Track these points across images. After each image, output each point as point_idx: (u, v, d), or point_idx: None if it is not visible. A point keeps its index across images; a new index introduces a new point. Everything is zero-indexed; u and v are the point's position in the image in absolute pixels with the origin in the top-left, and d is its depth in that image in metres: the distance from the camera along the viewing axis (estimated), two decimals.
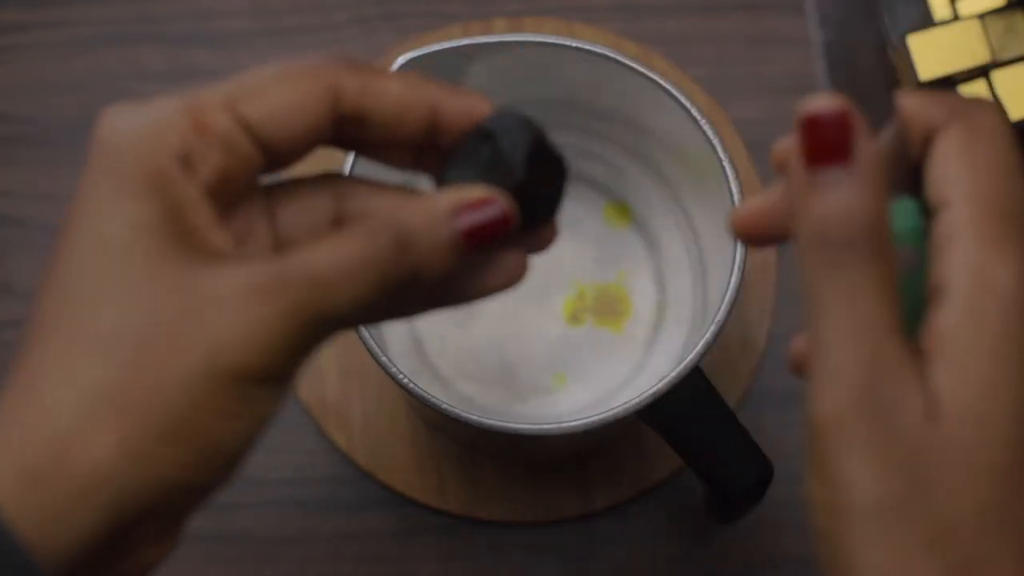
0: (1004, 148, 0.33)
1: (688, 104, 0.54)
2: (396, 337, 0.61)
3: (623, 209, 0.63)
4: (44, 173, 0.66)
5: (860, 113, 0.32)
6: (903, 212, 0.35)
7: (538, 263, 0.62)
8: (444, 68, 0.54)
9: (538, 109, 0.60)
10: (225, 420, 0.33)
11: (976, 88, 0.63)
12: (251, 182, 0.36)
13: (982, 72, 0.63)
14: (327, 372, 0.63)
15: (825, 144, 0.31)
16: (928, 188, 0.33)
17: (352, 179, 0.38)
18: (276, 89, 0.35)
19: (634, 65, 0.54)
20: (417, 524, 0.62)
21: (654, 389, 0.51)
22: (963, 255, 0.32)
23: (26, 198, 0.65)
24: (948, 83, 0.64)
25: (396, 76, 0.36)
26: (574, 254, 0.63)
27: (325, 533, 0.62)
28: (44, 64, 0.68)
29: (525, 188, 0.37)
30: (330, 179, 0.38)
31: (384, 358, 0.51)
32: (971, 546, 0.30)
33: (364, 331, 0.51)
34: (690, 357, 0.51)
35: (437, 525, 0.62)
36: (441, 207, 0.36)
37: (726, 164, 0.53)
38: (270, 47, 0.67)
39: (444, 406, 0.51)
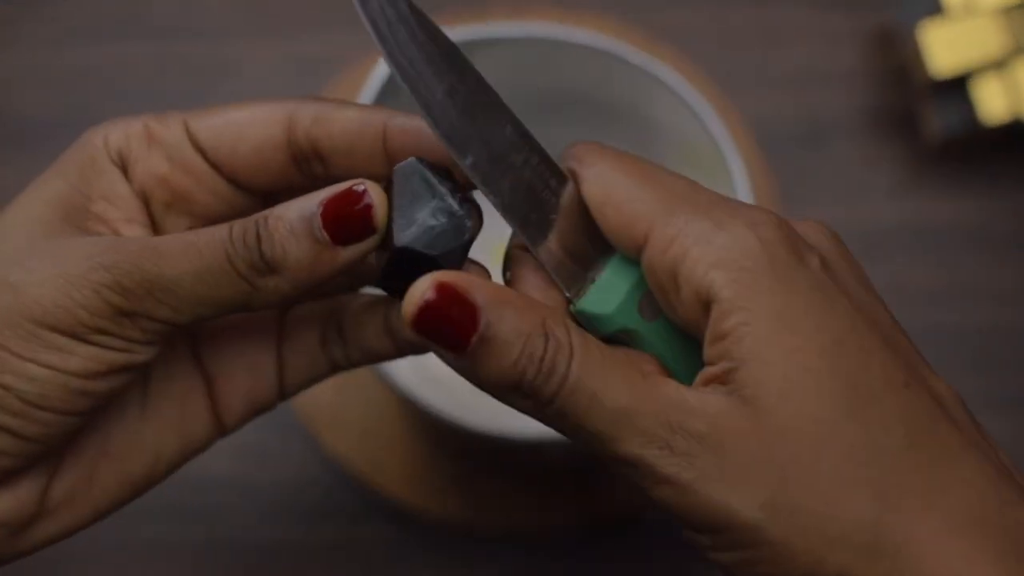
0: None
1: (690, 99, 0.53)
2: None
3: None
4: (33, 167, 0.65)
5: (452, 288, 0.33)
6: (598, 298, 0.35)
7: None
8: None
9: (538, 103, 0.59)
10: (20, 360, 0.34)
11: (990, 82, 0.62)
12: (218, 206, 0.38)
13: (996, 66, 0.62)
14: None
15: (451, 328, 0.33)
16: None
17: None
18: (229, 111, 0.38)
19: (635, 60, 0.53)
20: (413, 535, 0.61)
21: None
22: (693, 279, 0.33)
23: (15, 192, 0.64)
24: (961, 78, 0.63)
25: (352, 107, 0.38)
26: None
27: (319, 543, 0.61)
28: (31, 59, 0.67)
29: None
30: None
31: (382, 364, 0.50)
32: (867, 498, 0.32)
33: None
34: None
35: (434, 536, 0.61)
36: (311, 200, 0.35)
37: (731, 161, 0.52)
38: (259, 39, 0.67)
39: (442, 413, 0.50)
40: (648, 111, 0.57)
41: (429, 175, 0.35)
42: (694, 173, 0.57)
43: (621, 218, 0.34)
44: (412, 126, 0.37)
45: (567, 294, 0.35)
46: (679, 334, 0.35)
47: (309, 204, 0.35)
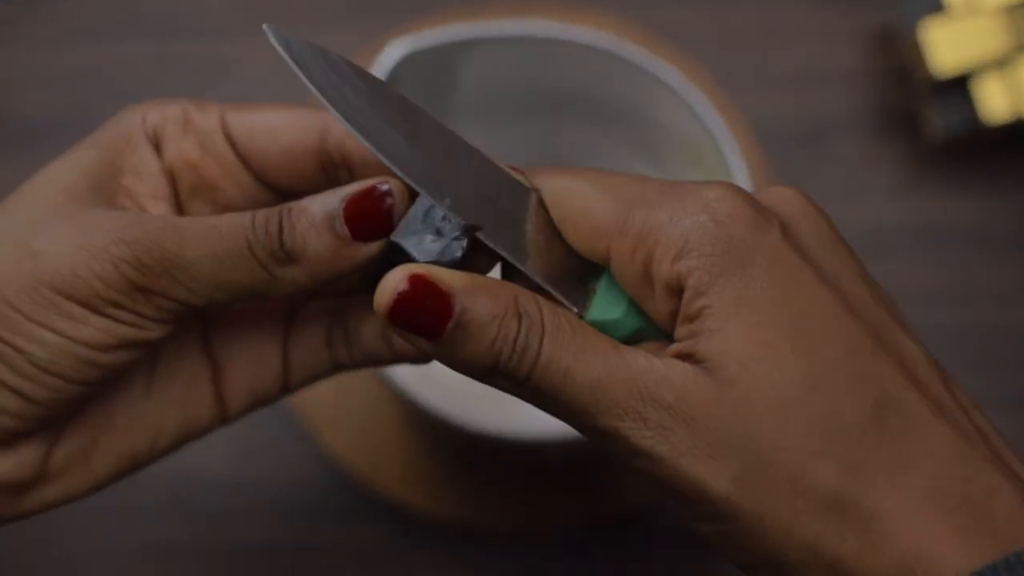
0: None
1: (691, 98, 0.53)
2: None
3: None
4: (32, 167, 0.65)
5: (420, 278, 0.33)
6: (604, 304, 0.35)
7: None
8: (442, 62, 0.53)
9: (538, 102, 0.59)
10: (34, 325, 0.35)
11: (991, 81, 0.62)
12: (240, 198, 0.39)
13: (997, 65, 0.62)
14: None
15: (425, 317, 0.33)
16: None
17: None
18: (267, 111, 0.39)
19: (635, 59, 0.53)
20: (412, 535, 0.61)
21: None
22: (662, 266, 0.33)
23: (10, 193, 0.64)
24: (962, 77, 0.63)
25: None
26: None
27: (317, 543, 0.61)
28: (31, 59, 0.67)
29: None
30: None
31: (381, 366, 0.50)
32: (838, 465, 0.32)
33: None
34: None
35: (433, 536, 0.61)
36: (334, 195, 0.36)
37: (731, 160, 0.52)
38: (259, 38, 0.66)
39: (441, 413, 0.49)
40: (648, 110, 0.56)
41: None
42: (695, 172, 0.57)
43: (581, 234, 0.35)
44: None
45: (574, 309, 0.35)
46: None
47: (333, 200, 0.35)
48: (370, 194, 0.35)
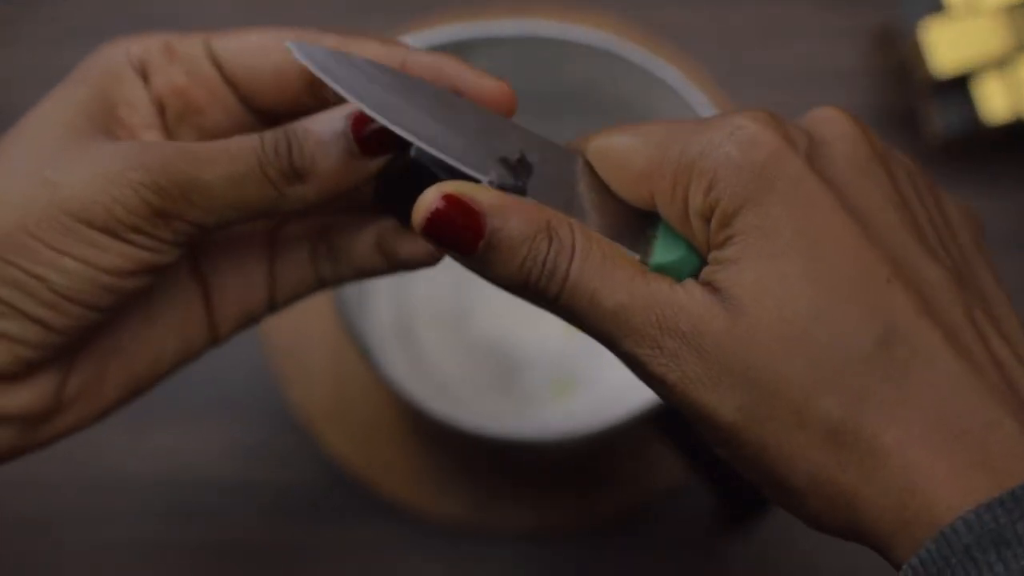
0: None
1: (691, 97, 0.53)
2: (393, 342, 0.60)
3: None
4: None
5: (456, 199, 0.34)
6: (663, 249, 0.36)
7: None
8: None
9: (539, 101, 0.59)
10: (55, 253, 0.35)
11: (991, 81, 0.62)
12: (227, 123, 0.40)
13: (997, 65, 0.62)
14: (321, 378, 0.62)
15: (458, 233, 0.34)
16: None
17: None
18: (252, 32, 0.39)
19: (636, 59, 0.53)
20: (413, 534, 0.61)
21: None
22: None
23: None
24: (962, 77, 0.63)
25: (373, 41, 0.39)
26: None
27: (318, 543, 0.61)
28: (31, 59, 0.67)
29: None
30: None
31: (380, 364, 0.50)
32: (845, 399, 0.32)
33: (361, 334, 0.50)
34: None
35: (434, 536, 0.61)
36: (338, 112, 0.37)
37: None
38: None
39: (441, 413, 0.49)
40: (649, 109, 0.56)
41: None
42: None
43: (626, 183, 0.35)
44: (429, 61, 0.38)
45: (637, 256, 0.35)
46: None
47: (336, 117, 0.37)
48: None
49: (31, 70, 0.67)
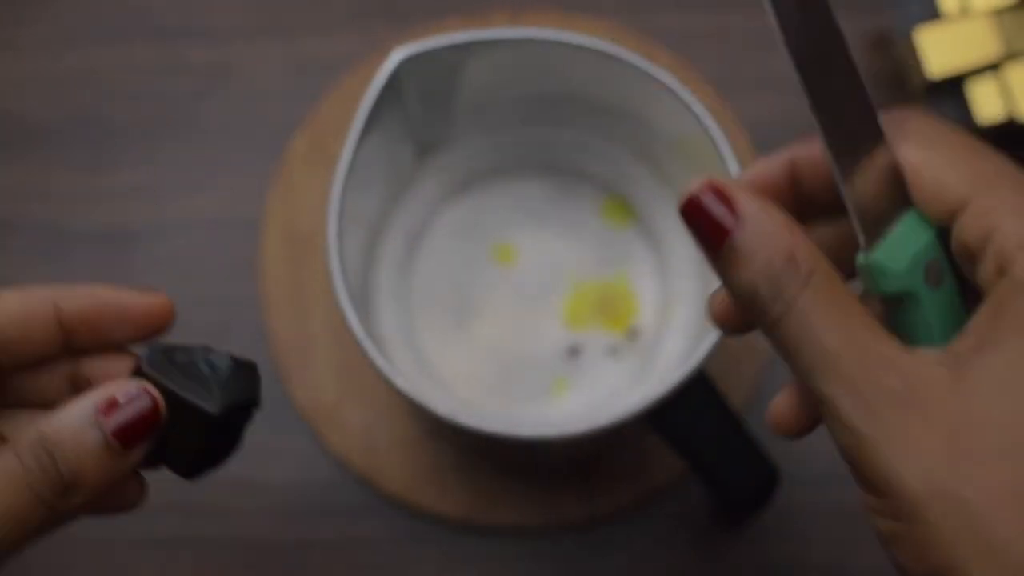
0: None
1: (689, 100, 0.53)
2: (394, 341, 0.60)
3: (624, 207, 0.62)
4: (35, 170, 0.65)
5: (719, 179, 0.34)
6: (889, 251, 0.35)
7: (538, 263, 0.61)
8: (442, 64, 0.53)
9: (538, 104, 0.59)
10: None
11: (985, 84, 0.62)
12: None
13: (991, 68, 0.62)
14: (324, 376, 0.62)
15: (708, 227, 0.33)
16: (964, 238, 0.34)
17: (5, 406, 0.39)
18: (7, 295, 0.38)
19: (634, 61, 0.53)
20: (415, 532, 0.61)
21: (657, 393, 0.50)
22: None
23: (17, 196, 0.64)
24: (957, 79, 0.63)
25: (15, 296, 0.38)
26: (574, 254, 0.61)
27: (321, 540, 0.61)
28: (36, 61, 0.67)
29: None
30: None
31: (382, 362, 0.50)
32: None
33: (361, 334, 0.50)
34: (694, 360, 0.50)
35: (436, 533, 0.61)
36: (87, 410, 0.35)
37: (729, 163, 0.52)
38: (261, 40, 0.67)
39: (443, 411, 0.50)
40: (646, 113, 0.57)
41: (175, 346, 0.37)
42: (692, 175, 0.57)
43: (937, 184, 0.34)
44: (85, 293, 0.38)
45: (861, 238, 0.35)
46: (957, 310, 0.35)
47: (87, 407, 0.35)
48: (130, 400, 0.35)
49: (32, 73, 0.67)
